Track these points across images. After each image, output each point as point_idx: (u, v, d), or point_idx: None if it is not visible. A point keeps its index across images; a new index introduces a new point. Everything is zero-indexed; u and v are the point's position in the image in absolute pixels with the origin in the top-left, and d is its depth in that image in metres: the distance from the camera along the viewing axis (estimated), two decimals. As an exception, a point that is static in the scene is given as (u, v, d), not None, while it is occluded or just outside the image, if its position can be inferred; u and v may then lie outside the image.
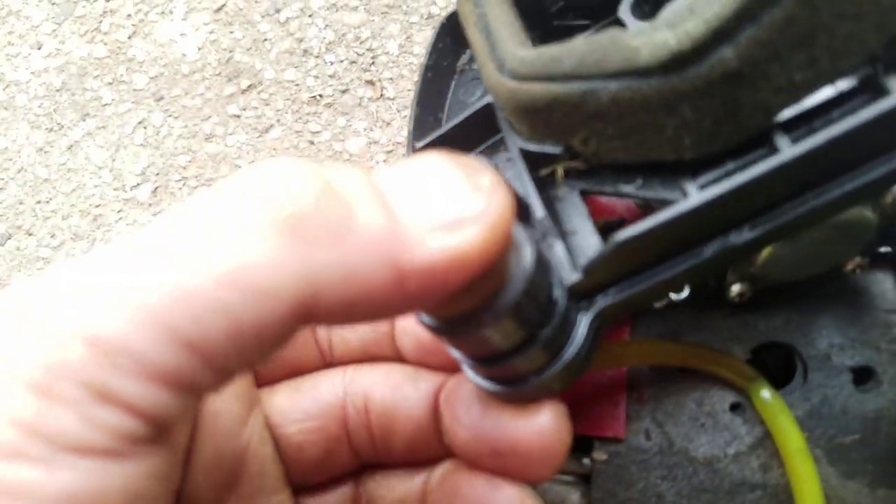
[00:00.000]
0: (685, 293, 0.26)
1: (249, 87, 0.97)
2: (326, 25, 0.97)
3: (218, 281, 0.15)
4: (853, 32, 0.18)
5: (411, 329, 0.24)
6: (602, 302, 0.21)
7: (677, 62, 0.18)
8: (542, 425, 0.21)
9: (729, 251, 0.19)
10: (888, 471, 0.26)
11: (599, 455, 0.27)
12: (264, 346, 0.16)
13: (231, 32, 1.00)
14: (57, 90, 1.05)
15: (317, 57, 0.96)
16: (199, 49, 1.00)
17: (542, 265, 0.20)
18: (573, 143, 0.22)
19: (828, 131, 0.18)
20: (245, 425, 0.23)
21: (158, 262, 0.15)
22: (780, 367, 0.27)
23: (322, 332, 0.25)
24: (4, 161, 1.03)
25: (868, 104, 0.18)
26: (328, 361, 0.25)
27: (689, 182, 0.20)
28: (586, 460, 0.27)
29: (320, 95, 0.94)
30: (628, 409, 0.27)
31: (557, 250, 0.21)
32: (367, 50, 0.94)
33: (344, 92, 0.94)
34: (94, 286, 0.15)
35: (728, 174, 0.19)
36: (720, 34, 0.17)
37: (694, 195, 0.19)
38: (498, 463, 0.21)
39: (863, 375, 0.26)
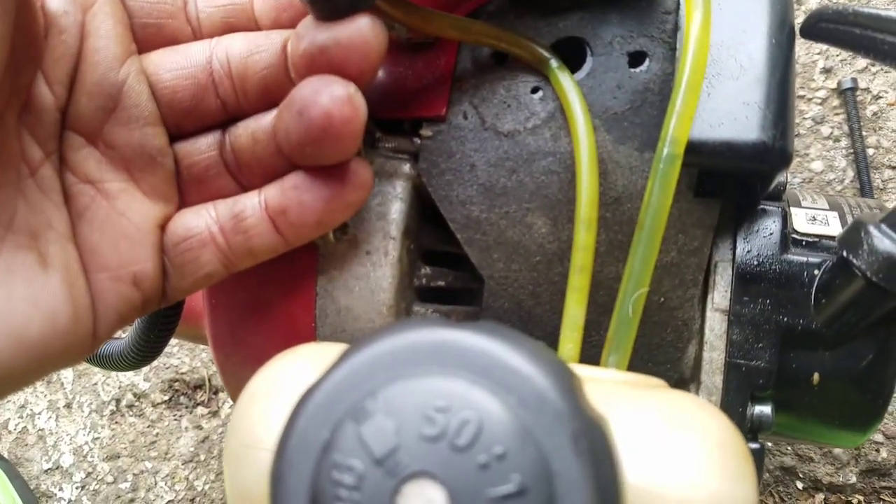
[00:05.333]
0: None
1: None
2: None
3: None
4: None
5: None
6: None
7: None
8: (359, 25, 0.25)
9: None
10: (653, 136, 0.31)
11: (426, 132, 0.32)
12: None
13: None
14: None
15: None
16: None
17: None
18: None
19: None
20: (122, 63, 0.27)
21: None
22: (573, 58, 0.33)
23: (191, 9, 0.28)
24: None
25: None
26: (198, 37, 0.29)
27: None
28: (416, 139, 0.33)
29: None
30: (451, 96, 0.33)
31: None
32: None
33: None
34: None
35: None
36: None
37: None
38: (326, 58, 0.26)
39: (637, 58, 0.31)
